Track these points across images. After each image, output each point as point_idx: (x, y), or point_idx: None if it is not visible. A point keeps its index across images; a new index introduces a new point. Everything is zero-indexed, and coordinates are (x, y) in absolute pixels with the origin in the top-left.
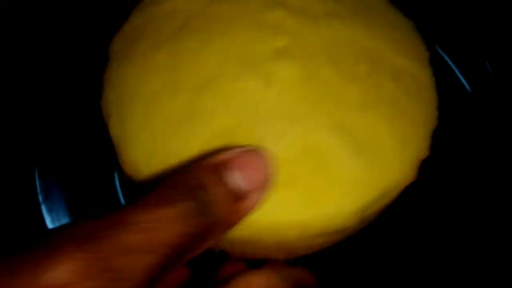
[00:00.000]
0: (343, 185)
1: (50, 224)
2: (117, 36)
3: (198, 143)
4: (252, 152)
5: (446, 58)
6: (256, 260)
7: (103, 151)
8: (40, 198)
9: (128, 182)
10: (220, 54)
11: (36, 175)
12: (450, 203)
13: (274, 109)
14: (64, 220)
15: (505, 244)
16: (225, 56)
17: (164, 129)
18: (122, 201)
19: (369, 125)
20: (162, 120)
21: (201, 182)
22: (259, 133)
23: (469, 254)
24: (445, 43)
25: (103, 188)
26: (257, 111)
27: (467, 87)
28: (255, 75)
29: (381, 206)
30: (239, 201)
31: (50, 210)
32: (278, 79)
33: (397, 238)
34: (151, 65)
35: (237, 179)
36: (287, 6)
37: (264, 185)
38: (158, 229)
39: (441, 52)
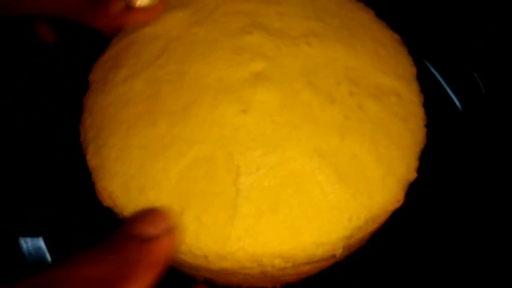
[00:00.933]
0: (325, 213)
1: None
2: (97, 65)
3: (175, 172)
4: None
5: (437, 75)
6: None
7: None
8: None
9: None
10: (198, 80)
11: None
12: (442, 226)
13: (252, 136)
14: None
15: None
16: (203, 82)
17: (141, 159)
18: None
19: (350, 149)
20: (139, 149)
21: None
22: (238, 161)
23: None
24: (435, 59)
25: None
26: (236, 139)
27: (458, 104)
28: (232, 101)
29: (368, 232)
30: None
31: None
32: (256, 105)
33: (389, 262)
34: (130, 94)
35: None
36: (266, 27)
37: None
38: None
39: (432, 69)
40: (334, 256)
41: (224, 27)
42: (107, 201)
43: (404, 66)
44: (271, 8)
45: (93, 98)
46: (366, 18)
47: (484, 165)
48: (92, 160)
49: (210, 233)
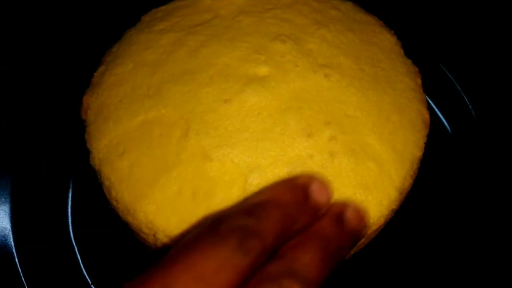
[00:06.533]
0: None
1: None
2: (152, 12)
3: (139, 120)
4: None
5: (428, 99)
6: None
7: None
8: None
9: None
10: (209, 58)
11: None
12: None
13: (216, 125)
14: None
15: None
16: (211, 61)
17: (124, 95)
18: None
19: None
20: (129, 88)
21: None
22: (190, 139)
23: None
24: (426, 82)
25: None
26: (202, 120)
27: (448, 128)
28: (222, 88)
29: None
30: None
31: None
32: (238, 101)
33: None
34: (154, 43)
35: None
36: (300, 44)
37: None
38: None
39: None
40: None
41: (265, 26)
42: (83, 113)
43: (408, 145)
44: (319, 30)
45: (131, 33)
46: (405, 83)
47: (473, 187)
48: (95, 78)
49: (128, 189)
